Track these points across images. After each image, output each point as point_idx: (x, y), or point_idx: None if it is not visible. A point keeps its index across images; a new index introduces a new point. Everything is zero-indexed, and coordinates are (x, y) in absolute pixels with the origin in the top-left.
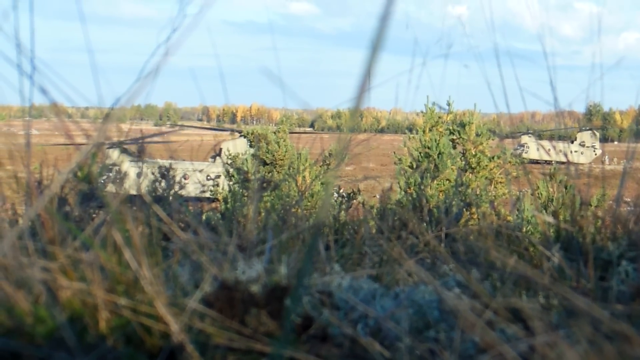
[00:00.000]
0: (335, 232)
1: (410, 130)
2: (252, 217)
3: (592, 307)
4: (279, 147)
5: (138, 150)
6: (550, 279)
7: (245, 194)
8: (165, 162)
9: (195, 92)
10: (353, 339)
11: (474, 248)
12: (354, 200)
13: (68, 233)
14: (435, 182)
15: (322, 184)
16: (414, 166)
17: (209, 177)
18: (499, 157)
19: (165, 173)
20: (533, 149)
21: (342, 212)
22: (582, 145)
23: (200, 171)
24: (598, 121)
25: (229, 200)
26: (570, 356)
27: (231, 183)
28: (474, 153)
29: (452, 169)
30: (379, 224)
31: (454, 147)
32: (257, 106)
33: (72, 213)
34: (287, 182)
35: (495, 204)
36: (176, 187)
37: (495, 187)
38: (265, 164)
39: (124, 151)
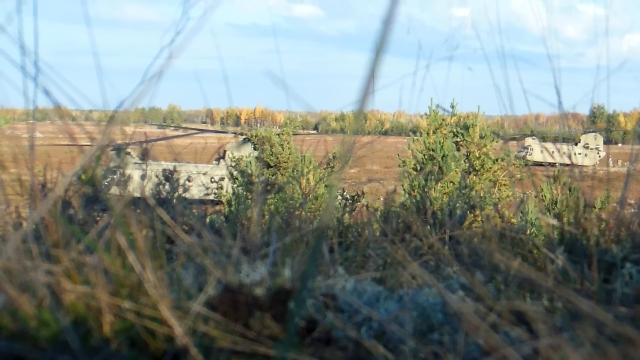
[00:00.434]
0: (339, 235)
1: (414, 133)
2: (256, 219)
3: (595, 310)
4: (283, 149)
5: (142, 153)
6: (554, 282)
7: (249, 197)
8: (169, 165)
9: (199, 94)
10: (357, 342)
11: (478, 250)
12: (358, 203)
13: (72, 236)
14: (439, 184)
15: (326, 186)
16: (418, 169)
17: (213, 180)
18: (502, 160)
19: (169, 176)
20: (537, 151)
21: (346, 214)
22: (586, 147)
23: (205, 174)
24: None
25: (233, 203)
26: (574, 359)
27: (235, 186)
28: (477, 155)
29: (456, 171)
30: (383, 227)
31: (458, 150)
32: (261, 109)
33: (76, 216)
34: (291, 185)
35: (499, 206)
36: (180, 190)
37: (499, 189)
38: (269, 166)
39: (128, 154)
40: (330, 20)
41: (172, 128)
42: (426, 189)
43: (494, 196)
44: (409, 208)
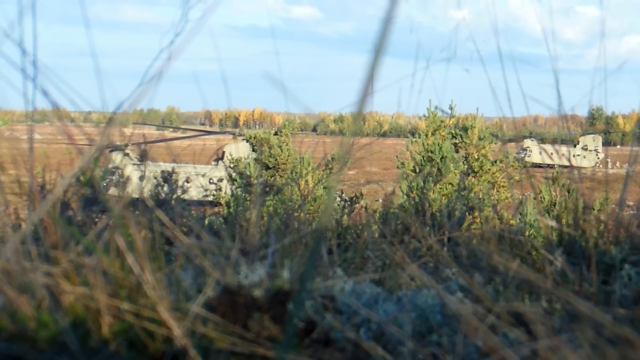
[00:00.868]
0: (338, 237)
1: (413, 134)
2: (254, 221)
3: (594, 311)
4: (282, 151)
5: (140, 154)
6: (553, 283)
7: (248, 198)
8: (168, 166)
9: (198, 96)
10: (356, 343)
11: (477, 252)
12: (357, 205)
13: (71, 238)
14: (437, 186)
15: (324, 188)
16: (417, 170)
17: (211, 181)
18: (501, 161)
19: (167, 177)
20: (535, 152)
21: (345, 216)
22: (584, 149)
23: (203, 175)
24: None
25: (232, 204)
26: None
27: (234, 187)
28: (476, 157)
29: (454, 173)
30: (382, 228)
31: (457, 151)
32: (260, 110)
33: (74, 217)
34: (289, 186)
35: (498, 207)
36: (179, 192)
37: (497, 191)
38: (267, 168)
39: (127, 155)
40: (328, 22)
41: (171, 129)
42: (425, 191)
43: (492, 198)
44: (408, 210)
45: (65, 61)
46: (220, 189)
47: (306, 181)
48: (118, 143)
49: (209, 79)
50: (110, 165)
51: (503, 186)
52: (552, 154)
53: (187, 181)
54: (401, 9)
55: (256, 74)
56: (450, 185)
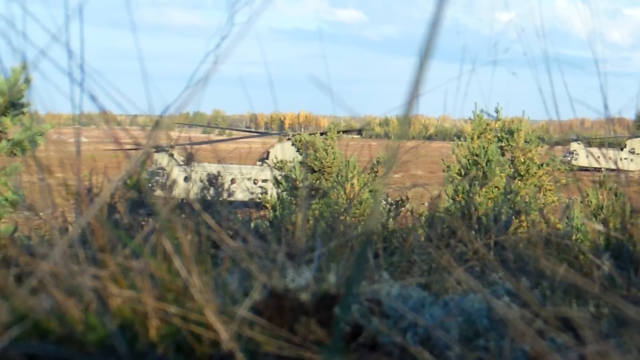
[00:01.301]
0: (384, 240)
1: (459, 138)
2: (300, 224)
3: None
4: (327, 154)
5: (187, 157)
6: (601, 288)
7: (294, 202)
8: (213, 167)
9: (243, 99)
10: (402, 348)
11: (524, 256)
12: (403, 208)
13: (118, 241)
14: (483, 189)
15: (370, 191)
16: (463, 174)
17: (256, 182)
18: (548, 165)
19: (213, 181)
20: (582, 156)
21: (391, 219)
22: (632, 152)
23: (249, 179)
24: None
25: (278, 208)
26: None
27: (279, 190)
28: (522, 160)
29: (500, 176)
30: (428, 232)
31: (503, 155)
32: (305, 113)
33: (122, 221)
34: (335, 190)
35: (545, 211)
36: (225, 194)
37: (544, 194)
38: (313, 171)
39: (171, 156)
40: (373, 25)
41: (217, 133)
42: (471, 194)
43: (539, 201)
44: (454, 213)
45: (112, 64)
46: (265, 192)
47: (352, 185)
48: (163, 145)
49: (255, 82)
50: (156, 167)
51: (550, 190)
52: (599, 157)
53: (232, 182)
54: (447, 11)
55: (302, 77)
56: (496, 189)
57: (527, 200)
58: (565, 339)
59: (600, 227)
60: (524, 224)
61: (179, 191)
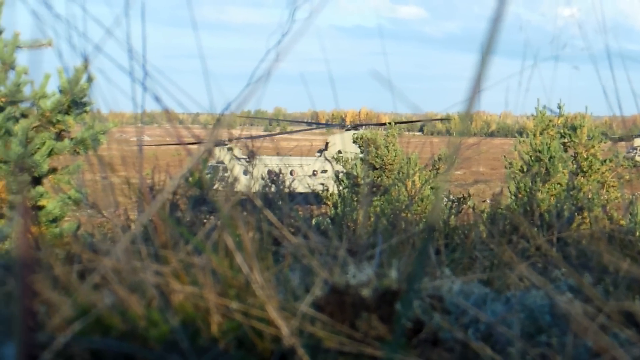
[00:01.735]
0: (446, 237)
1: (521, 134)
2: (362, 221)
3: None
4: (388, 151)
5: (248, 154)
6: None
7: (355, 199)
8: (272, 160)
9: (304, 97)
10: (464, 344)
11: (587, 252)
12: (464, 205)
13: (180, 237)
14: (546, 186)
15: (432, 188)
16: (525, 170)
17: (315, 173)
18: (611, 161)
19: (275, 178)
20: None
21: (452, 216)
22: None
23: (311, 175)
24: None
25: (339, 204)
26: None
27: (341, 188)
28: (585, 156)
29: (563, 172)
30: (490, 228)
31: (565, 151)
32: (366, 110)
33: (183, 218)
34: (396, 187)
35: (608, 207)
36: (286, 191)
37: (607, 190)
38: (374, 168)
39: (230, 150)
40: (434, 21)
41: (278, 130)
42: (533, 191)
43: (602, 198)
44: (516, 210)
45: (174, 63)
46: (325, 186)
47: (413, 181)
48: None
49: (316, 80)
50: (215, 161)
51: (613, 186)
52: None
53: (291, 174)
54: (508, 7)
55: (363, 74)
56: (558, 185)
57: (590, 196)
58: (628, 334)
59: None
60: (587, 220)
61: (240, 186)
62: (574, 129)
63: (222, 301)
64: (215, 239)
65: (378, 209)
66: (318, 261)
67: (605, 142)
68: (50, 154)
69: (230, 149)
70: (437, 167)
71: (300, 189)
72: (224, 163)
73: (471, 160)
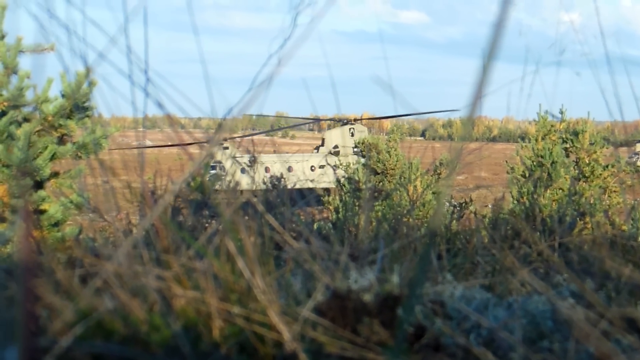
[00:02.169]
0: (447, 242)
1: (523, 139)
2: (363, 226)
3: None
4: (390, 156)
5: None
6: None
7: (357, 204)
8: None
9: (306, 101)
10: (466, 349)
11: (588, 257)
12: (466, 210)
13: (182, 242)
14: (548, 191)
15: (433, 193)
16: (527, 175)
17: (313, 168)
18: (613, 166)
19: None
20: None
21: (454, 221)
22: None
23: (311, 169)
24: None
25: (341, 209)
26: None
27: (343, 193)
28: (587, 162)
29: (565, 178)
30: (492, 234)
31: (567, 156)
32: (368, 115)
33: (185, 222)
34: (398, 192)
35: (610, 213)
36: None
37: (609, 196)
38: (376, 173)
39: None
40: (437, 27)
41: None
42: (535, 196)
43: (604, 203)
44: (518, 215)
45: (175, 67)
46: (328, 194)
47: (415, 186)
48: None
49: (318, 84)
50: (212, 161)
51: (615, 191)
52: None
53: (289, 170)
54: (511, 12)
55: (364, 78)
56: (561, 191)
57: (592, 201)
58: (630, 340)
59: None
60: (589, 226)
61: (239, 186)
62: (576, 134)
63: (224, 306)
64: (217, 244)
65: (380, 214)
66: (320, 266)
67: (607, 148)
68: (53, 158)
69: (226, 148)
70: (439, 172)
71: (298, 185)
72: (221, 163)
73: (473, 165)
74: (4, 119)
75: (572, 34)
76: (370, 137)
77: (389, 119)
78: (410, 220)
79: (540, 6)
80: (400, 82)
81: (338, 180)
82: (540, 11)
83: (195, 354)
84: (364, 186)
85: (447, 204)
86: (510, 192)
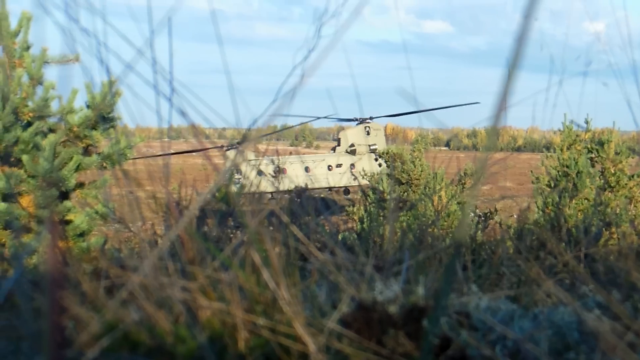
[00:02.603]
0: (472, 252)
1: (548, 149)
2: (388, 237)
3: None
4: (415, 166)
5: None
6: None
7: (382, 214)
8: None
9: (331, 112)
10: None
11: (615, 268)
12: (491, 220)
13: (207, 253)
14: (573, 201)
15: (458, 203)
16: (552, 185)
17: (330, 168)
18: (639, 176)
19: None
20: None
21: (479, 232)
22: None
23: (328, 168)
24: None
25: (365, 220)
26: None
27: (367, 203)
28: (613, 172)
29: (590, 188)
30: (517, 244)
31: (593, 166)
32: (392, 125)
33: (210, 233)
34: (423, 202)
35: (636, 223)
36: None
37: (635, 206)
38: (400, 183)
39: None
40: (461, 36)
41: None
42: (560, 206)
43: (630, 213)
44: (543, 225)
45: (200, 78)
46: (353, 204)
47: (440, 197)
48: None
49: (342, 95)
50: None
51: None
52: None
53: (307, 170)
54: (534, 22)
55: (389, 89)
56: (586, 201)
57: (617, 211)
58: None
59: None
60: (615, 236)
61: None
62: (601, 144)
63: (249, 317)
64: (242, 255)
65: (405, 224)
66: (345, 277)
67: (632, 157)
68: (78, 168)
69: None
70: (464, 182)
71: (317, 185)
72: (238, 167)
73: (498, 175)
74: (30, 129)
75: (596, 44)
76: (394, 147)
77: (414, 129)
78: (435, 230)
79: (564, 15)
80: (425, 92)
81: (363, 191)
82: (565, 20)
83: None
84: (388, 196)
85: (472, 214)
86: (536, 203)
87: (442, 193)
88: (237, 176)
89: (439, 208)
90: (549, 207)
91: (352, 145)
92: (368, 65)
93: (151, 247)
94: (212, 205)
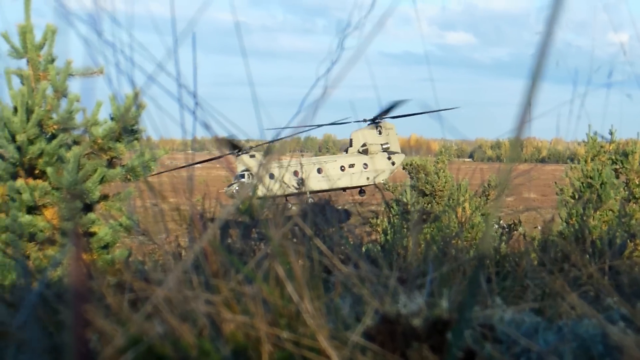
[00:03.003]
0: (496, 265)
1: (572, 160)
2: (412, 249)
3: None
4: (439, 178)
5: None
6: None
7: (405, 226)
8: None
9: (354, 123)
10: None
11: (639, 281)
12: (515, 232)
13: (231, 266)
14: (598, 212)
15: (482, 215)
16: (576, 197)
17: (343, 168)
18: None
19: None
20: None
21: (503, 244)
22: None
23: (341, 169)
24: None
25: (389, 232)
26: None
27: (392, 215)
28: (637, 183)
29: (615, 199)
30: (541, 256)
31: (617, 177)
32: (416, 137)
33: (234, 246)
34: (446, 214)
35: None
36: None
37: None
38: (424, 194)
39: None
40: (483, 48)
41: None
42: (585, 218)
43: None
44: (567, 237)
45: (224, 90)
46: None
47: (463, 208)
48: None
49: (365, 106)
50: (241, 168)
51: None
52: None
53: (319, 172)
54: (558, 34)
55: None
56: (610, 212)
57: None
58: None
59: None
60: (639, 248)
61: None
62: (625, 155)
63: (273, 330)
64: (266, 268)
65: (428, 236)
66: (369, 290)
67: None
68: (102, 181)
69: (253, 156)
70: (488, 193)
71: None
72: (249, 170)
73: (522, 186)
74: (54, 141)
75: (621, 55)
76: (417, 158)
77: (437, 141)
78: (459, 242)
79: (588, 26)
80: (447, 103)
81: (386, 202)
82: (589, 32)
83: None
84: (412, 208)
85: (496, 226)
86: (560, 214)
87: (466, 205)
88: (243, 175)
89: (463, 220)
90: (573, 219)
91: (364, 145)
92: (391, 77)
93: (175, 259)
94: (236, 217)
